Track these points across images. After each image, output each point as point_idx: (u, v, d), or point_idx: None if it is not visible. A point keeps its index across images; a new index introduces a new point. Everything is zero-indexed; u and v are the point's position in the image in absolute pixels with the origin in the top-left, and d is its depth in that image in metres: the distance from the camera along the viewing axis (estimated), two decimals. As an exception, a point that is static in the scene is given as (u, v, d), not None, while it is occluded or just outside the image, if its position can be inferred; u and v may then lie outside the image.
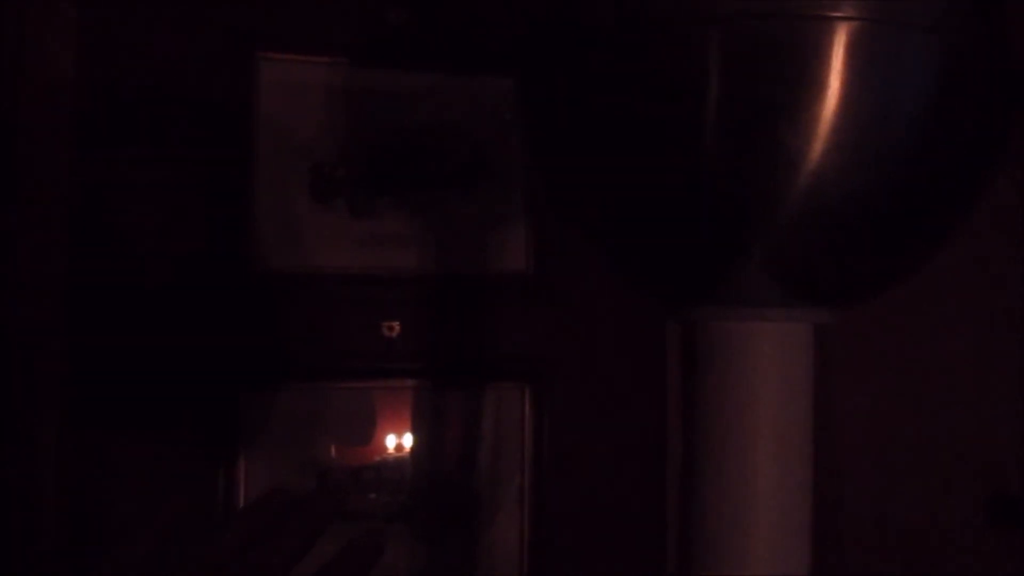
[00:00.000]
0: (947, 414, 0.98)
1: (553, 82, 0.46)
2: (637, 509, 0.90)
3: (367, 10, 0.84)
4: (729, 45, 0.39)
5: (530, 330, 0.87)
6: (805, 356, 0.47)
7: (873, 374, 0.96)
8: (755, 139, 0.40)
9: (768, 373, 0.46)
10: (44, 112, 0.77)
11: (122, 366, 0.78)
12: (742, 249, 0.43)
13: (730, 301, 0.46)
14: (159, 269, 0.79)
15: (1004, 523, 0.99)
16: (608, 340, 0.90)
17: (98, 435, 0.77)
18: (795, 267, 0.44)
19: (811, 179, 0.40)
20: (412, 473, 0.85)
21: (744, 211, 0.42)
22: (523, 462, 0.87)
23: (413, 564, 0.85)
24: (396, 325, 0.84)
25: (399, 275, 0.85)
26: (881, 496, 0.96)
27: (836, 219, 0.42)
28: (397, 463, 0.84)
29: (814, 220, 0.41)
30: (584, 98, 0.44)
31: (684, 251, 0.45)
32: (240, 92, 0.81)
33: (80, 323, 0.77)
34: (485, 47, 0.86)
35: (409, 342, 0.85)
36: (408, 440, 0.85)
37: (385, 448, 0.84)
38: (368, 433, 0.84)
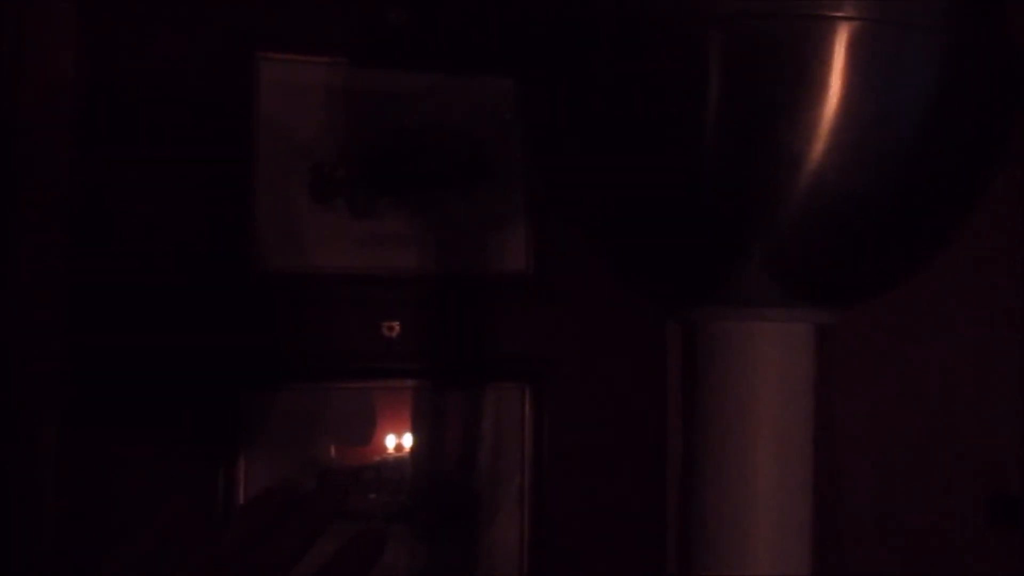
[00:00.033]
0: (947, 414, 0.98)
1: (553, 82, 0.46)
2: (637, 509, 0.90)
3: (367, 10, 0.84)
4: (729, 45, 0.39)
5: (530, 330, 0.87)
6: (805, 356, 0.47)
7: (873, 374, 0.96)
8: (755, 139, 0.40)
9: (768, 373, 0.46)
10: (44, 112, 0.77)
11: (122, 366, 0.78)
12: (742, 249, 0.43)
13: (730, 301, 0.46)
14: (159, 269, 0.79)
15: (1004, 523, 0.99)
16: (608, 340, 0.90)
17: (98, 435, 0.77)
18: (795, 267, 0.44)
19: (811, 179, 0.40)
20: (412, 473, 0.85)
21: (744, 211, 0.42)
22: (523, 462, 0.87)
23: (413, 564, 0.85)
24: (396, 325, 0.84)
25: (399, 275, 0.85)
26: (881, 496, 0.96)
27: (836, 219, 0.42)
28: (397, 463, 0.84)
29: (814, 220, 0.41)
30: (584, 98, 0.44)
31: (684, 251, 0.45)
32: (240, 92, 0.81)
33: (80, 323, 0.77)
34: (485, 47, 0.86)
35: (409, 342, 0.85)
36: (408, 440, 0.85)
37: (385, 448, 0.84)
38: (368, 433, 0.84)
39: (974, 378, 0.99)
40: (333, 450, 0.83)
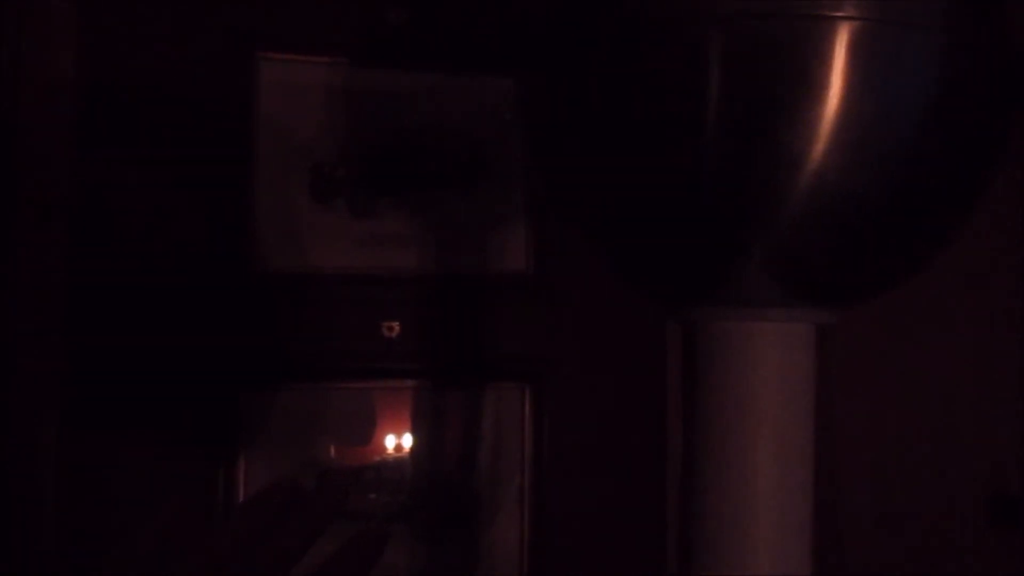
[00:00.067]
0: (947, 414, 0.98)
1: (553, 82, 0.46)
2: (637, 509, 0.90)
3: (367, 10, 0.84)
4: (729, 45, 0.39)
5: (530, 330, 0.87)
6: (806, 356, 0.47)
7: (873, 374, 0.96)
8: (755, 139, 0.40)
9: (768, 373, 0.46)
10: (44, 112, 0.77)
11: (122, 366, 0.77)
12: (742, 249, 0.43)
13: (730, 301, 0.46)
14: (159, 269, 0.79)
15: (1004, 523, 0.99)
16: (608, 340, 0.90)
17: (98, 435, 0.77)
18: (796, 267, 0.44)
19: (812, 179, 0.40)
20: (412, 473, 0.85)
21: (744, 211, 0.42)
22: (523, 462, 0.87)
23: (413, 564, 0.85)
24: (396, 325, 0.84)
25: (399, 275, 0.84)
26: (881, 496, 0.96)
27: (837, 219, 0.42)
28: (397, 463, 0.84)
29: (815, 220, 0.41)
30: (584, 98, 0.44)
31: (684, 251, 0.45)
32: (240, 92, 0.81)
33: (80, 323, 0.77)
34: (485, 47, 0.86)
35: (409, 342, 0.85)
36: (408, 440, 0.85)
37: (385, 448, 0.84)
38: (368, 433, 0.84)
39: (974, 378, 0.99)
40: (333, 450, 0.83)
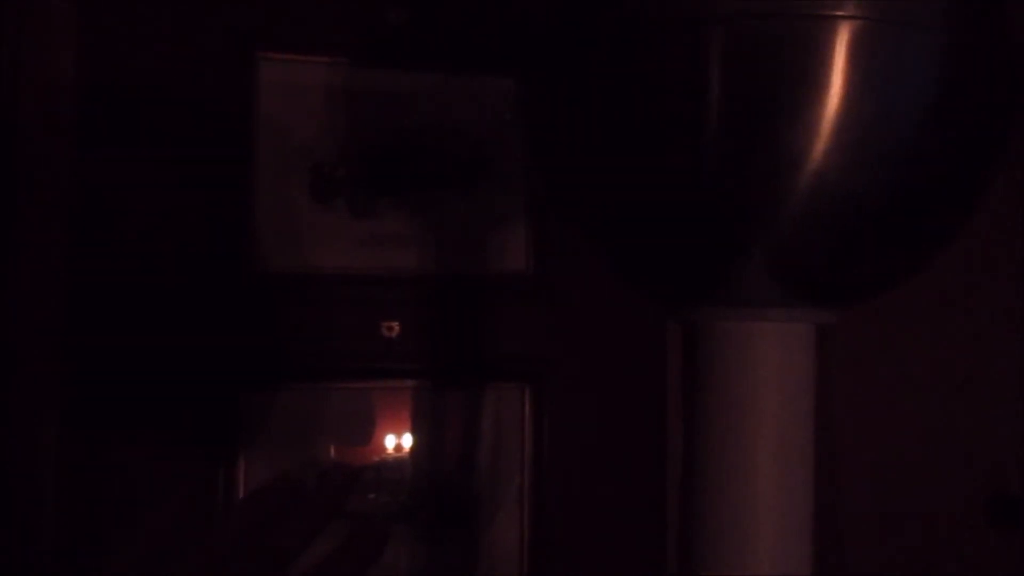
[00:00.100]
0: (947, 414, 0.98)
1: (553, 82, 0.46)
2: (637, 509, 0.90)
3: (367, 10, 0.84)
4: (729, 45, 0.39)
5: (530, 330, 0.87)
6: (806, 356, 0.47)
7: (873, 374, 0.96)
8: (755, 139, 0.40)
9: (768, 373, 0.46)
10: (44, 112, 0.77)
11: (122, 366, 0.77)
12: (742, 249, 0.43)
13: (730, 301, 0.46)
14: (159, 269, 0.79)
15: (1004, 523, 0.99)
16: (608, 340, 0.90)
17: (98, 435, 0.77)
18: (796, 267, 0.44)
19: (812, 179, 0.40)
20: (412, 473, 0.85)
21: (744, 211, 0.42)
22: (523, 462, 0.87)
23: (413, 564, 0.85)
24: (396, 325, 0.84)
25: (399, 275, 0.84)
26: (881, 496, 0.96)
27: (837, 219, 0.42)
28: (397, 463, 0.84)
29: (815, 220, 0.41)
30: (584, 98, 0.44)
31: (684, 251, 0.45)
32: (240, 92, 0.81)
33: (80, 323, 0.77)
34: (485, 47, 0.86)
35: (409, 342, 0.85)
36: (408, 440, 0.85)
37: (385, 448, 0.84)
38: (368, 433, 0.84)
39: (974, 378, 0.99)
40: (333, 450, 0.83)
